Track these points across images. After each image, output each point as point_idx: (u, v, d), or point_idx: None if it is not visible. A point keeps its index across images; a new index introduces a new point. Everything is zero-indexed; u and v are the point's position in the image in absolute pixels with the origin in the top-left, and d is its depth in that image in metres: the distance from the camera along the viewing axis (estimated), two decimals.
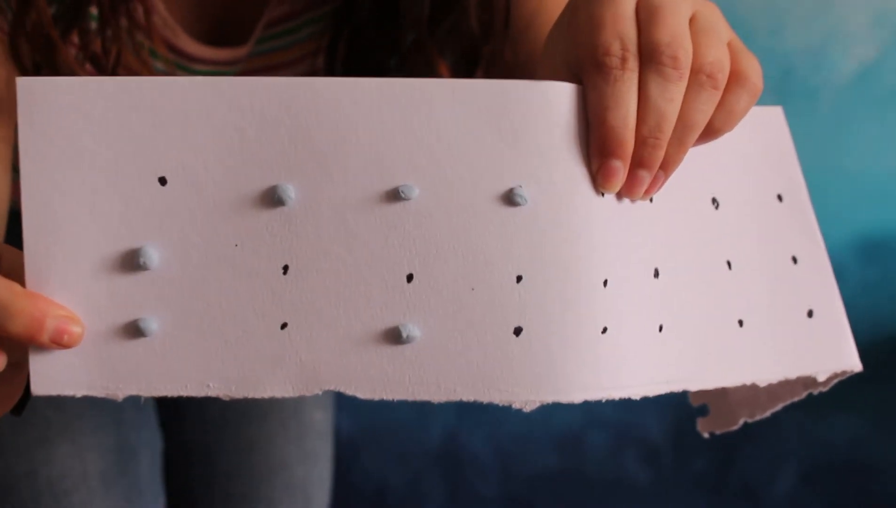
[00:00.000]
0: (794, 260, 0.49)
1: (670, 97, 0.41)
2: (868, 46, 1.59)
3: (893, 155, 1.62)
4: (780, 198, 0.49)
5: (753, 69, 0.42)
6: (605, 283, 0.42)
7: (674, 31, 0.41)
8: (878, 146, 1.62)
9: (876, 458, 1.71)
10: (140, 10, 0.59)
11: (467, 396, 0.41)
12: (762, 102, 0.46)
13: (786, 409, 1.84)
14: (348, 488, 1.73)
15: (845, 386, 1.96)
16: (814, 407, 1.85)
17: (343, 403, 1.53)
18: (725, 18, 0.44)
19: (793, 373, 0.48)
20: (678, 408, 1.74)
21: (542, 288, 0.41)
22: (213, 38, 0.66)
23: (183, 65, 0.65)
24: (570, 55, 0.42)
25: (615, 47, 0.40)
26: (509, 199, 0.41)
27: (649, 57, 0.41)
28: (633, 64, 0.41)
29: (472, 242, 0.41)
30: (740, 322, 0.47)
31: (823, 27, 1.59)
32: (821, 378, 0.50)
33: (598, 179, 0.42)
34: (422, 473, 1.79)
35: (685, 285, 0.45)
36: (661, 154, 0.41)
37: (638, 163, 0.42)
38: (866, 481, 1.72)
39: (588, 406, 1.75)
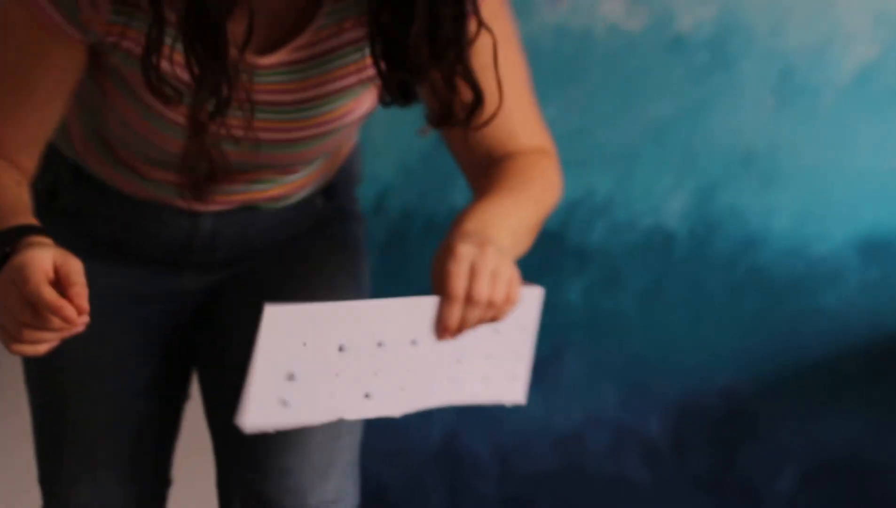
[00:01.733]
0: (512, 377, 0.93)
1: (475, 314, 0.85)
2: (868, 46, 1.59)
3: (893, 155, 1.63)
4: (510, 333, 0.91)
5: (514, 292, 0.85)
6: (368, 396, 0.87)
7: (482, 284, 0.84)
8: (879, 146, 1.63)
9: (876, 458, 1.71)
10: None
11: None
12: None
13: (786, 409, 1.82)
14: None
15: (845, 386, 1.95)
16: (814, 407, 1.86)
17: None
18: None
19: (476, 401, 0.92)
20: (678, 408, 1.74)
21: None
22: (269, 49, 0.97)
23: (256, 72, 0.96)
24: (434, 280, 0.86)
25: (456, 290, 0.83)
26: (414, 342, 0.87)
27: (468, 298, 0.84)
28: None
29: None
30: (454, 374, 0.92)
31: (823, 27, 1.59)
32: (488, 402, 0.93)
33: (436, 330, 0.86)
34: (422, 473, 1.79)
35: (426, 381, 0.89)
36: (464, 327, 0.86)
37: (453, 332, 0.86)
38: (866, 481, 1.72)
39: (589, 406, 1.76)
